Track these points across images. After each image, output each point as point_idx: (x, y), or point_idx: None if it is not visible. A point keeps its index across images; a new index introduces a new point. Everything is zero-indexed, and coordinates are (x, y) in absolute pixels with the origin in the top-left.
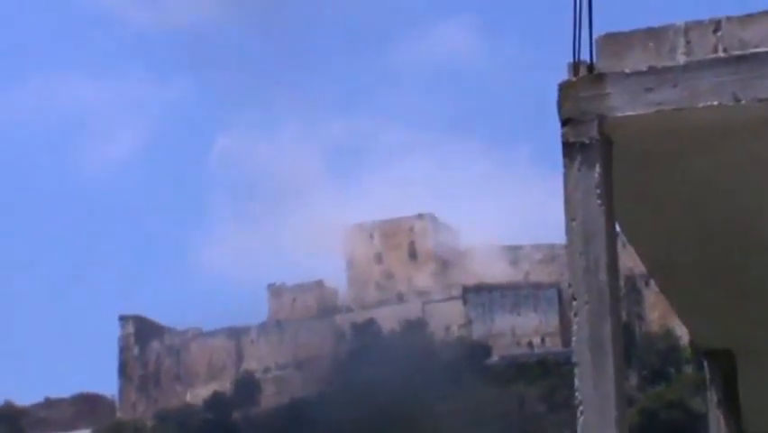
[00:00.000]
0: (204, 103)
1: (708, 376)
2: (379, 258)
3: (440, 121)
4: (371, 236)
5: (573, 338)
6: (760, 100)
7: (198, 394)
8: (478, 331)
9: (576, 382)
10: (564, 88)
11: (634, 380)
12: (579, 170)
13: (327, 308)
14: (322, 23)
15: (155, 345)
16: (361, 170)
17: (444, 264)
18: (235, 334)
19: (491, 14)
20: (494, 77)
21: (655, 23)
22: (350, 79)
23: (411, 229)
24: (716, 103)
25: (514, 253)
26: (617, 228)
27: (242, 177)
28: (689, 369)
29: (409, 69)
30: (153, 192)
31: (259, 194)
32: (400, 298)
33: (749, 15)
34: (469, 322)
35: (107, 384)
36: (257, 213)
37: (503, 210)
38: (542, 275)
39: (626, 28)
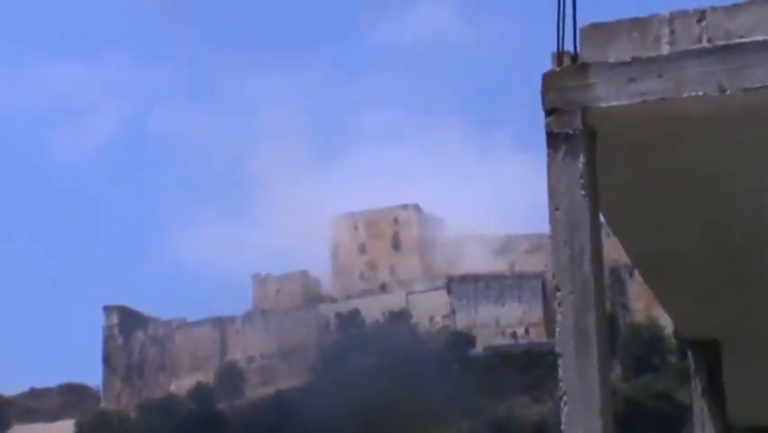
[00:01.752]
0: (183, 85)
1: (692, 366)
2: (363, 248)
3: (423, 103)
4: (355, 227)
5: (557, 329)
6: (745, 90)
7: (182, 385)
8: (462, 321)
9: (560, 372)
10: (548, 78)
11: (618, 370)
12: (563, 160)
13: (312, 298)
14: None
15: (139, 335)
16: (342, 155)
17: (428, 254)
18: (220, 324)
19: None
20: (477, 58)
21: (640, 13)
22: (332, 60)
23: (395, 219)
24: (701, 93)
25: (498, 244)
26: (602, 219)
27: (223, 162)
28: (673, 359)
29: (391, 50)
30: (131, 180)
31: (240, 180)
32: (384, 288)
33: (734, 5)
34: (453, 312)
35: (92, 375)
36: (239, 200)
37: (487, 197)
38: (526, 265)
39: (610, 18)
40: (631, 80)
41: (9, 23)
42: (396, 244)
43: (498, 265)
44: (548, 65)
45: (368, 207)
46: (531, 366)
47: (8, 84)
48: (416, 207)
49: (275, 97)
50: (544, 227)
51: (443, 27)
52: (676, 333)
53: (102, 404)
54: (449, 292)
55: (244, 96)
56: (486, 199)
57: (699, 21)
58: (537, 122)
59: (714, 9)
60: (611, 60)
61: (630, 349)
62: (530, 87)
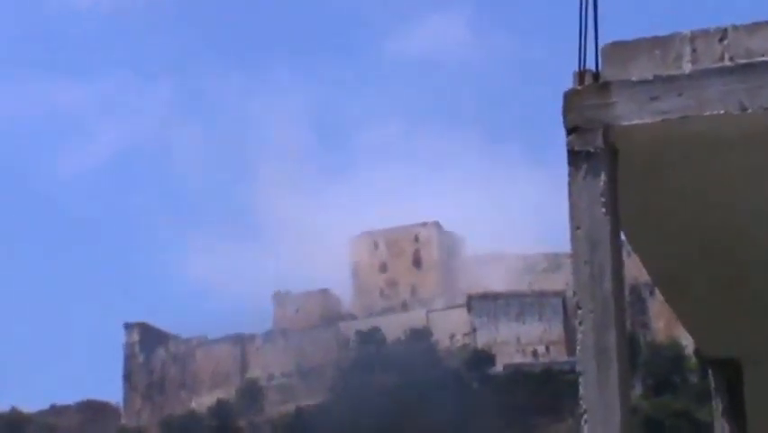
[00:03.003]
0: (187, 100)
1: (713, 385)
2: (383, 266)
3: (429, 117)
4: (376, 245)
5: (578, 347)
6: (766, 109)
7: (203, 402)
8: (482, 339)
9: (581, 390)
10: (570, 97)
11: (639, 389)
12: (584, 178)
13: (332, 317)
14: (310, 14)
15: (160, 352)
16: (350, 171)
17: (449, 272)
18: (240, 341)
19: (482, 8)
20: (485, 71)
21: (661, 32)
22: (337, 73)
23: (416, 237)
24: (722, 112)
25: (518, 262)
26: (623, 237)
27: (227, 178)
28: (694, 378)
29: (399, 62)
30: (131, 198)
31: (246, 197)
32: (405, 306)
33: (755, 24)
34: (473, 330)
35: (112, 392)
36: (248, 219)
37: (502, 212)
38: (545, 284)
39: (631, 36)
40: (652, 99)
41: None
42: (416, 262)
43: (518, 283)
44: (566, 82)
45: (386, 226)
46: (551, 384)
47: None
48: (437, 225)
49: (278, 112)
50: (562, 245)
51: (453, 41)
52: (697, 352)
53: (122, 421)
54: (469, 310)
55: (246, 112)
56: (501, 215)
57: (721, 40)
58: (547, 136)
59: (735, 27)
60: (633, 79)
61: (651, 368)
62: (538, 102)
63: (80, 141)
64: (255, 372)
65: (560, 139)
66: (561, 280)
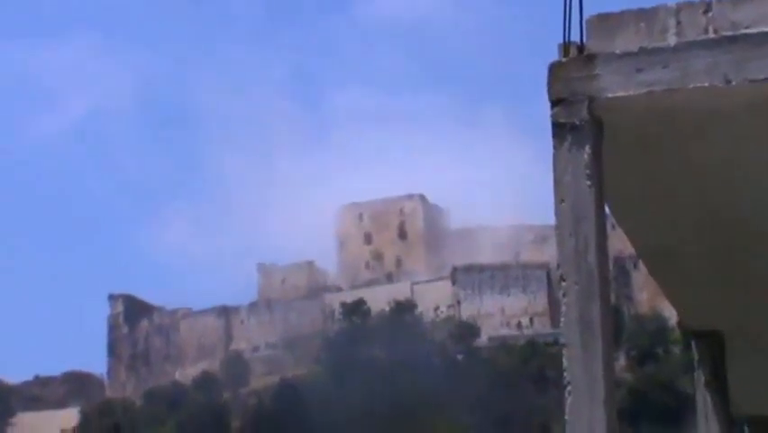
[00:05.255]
0: (161, 66)
1: (696, 357)
2: (368, 238)
3: (410, 81)
4: (361, 217)
5: (562, 319)
6: (751, 81)
7: (188, 374)
8: (466, 311)
9: (565, 362)
10: (554, 69)
11: (622, 361)
12: (569, 151)
13: (317, 288)
14: None
15: (144, 324)
16: (329, 138)
17: (434, 245)
18: (225, 313)
19: None
20: (463, 34)
21: (646, 4)
22: (314, 36)
23: (401, 210)
24: (707, 84)
25: (504, 234)
26: (607, 210)
27: (204, 144)
28: (677, 350)
29: (377, 27)
30: (109, 166)
31: (225, 165)
32: (390, 278)
33: None
34: (457, 302)
35: (97, 363)
36: (228, 187)
37: (481, 178)
38: (532, 256)
39: (616, 9)
40: (638, 71)
41: None
42: (402, 234)
43: (504, 256)
44: (550, 52)
45: (368, 197)
46: (535, 356)
47: None
48: (422, 198)
49: (257, 75)
50: (547, 218)
51: (433, 5)
52: (680, 324)
53: (107, 392)
54: (454, 282)
55: (224, 74)
56: (484, 184)
57: (706, 12)
58: (530, 105)
59: (720, 0)
60: (618, 51)
61: (634, 340)
62: (522, 70)
63: (49, 105)
64: (240, 343)
65: (542, 102)
66: (546, 253)
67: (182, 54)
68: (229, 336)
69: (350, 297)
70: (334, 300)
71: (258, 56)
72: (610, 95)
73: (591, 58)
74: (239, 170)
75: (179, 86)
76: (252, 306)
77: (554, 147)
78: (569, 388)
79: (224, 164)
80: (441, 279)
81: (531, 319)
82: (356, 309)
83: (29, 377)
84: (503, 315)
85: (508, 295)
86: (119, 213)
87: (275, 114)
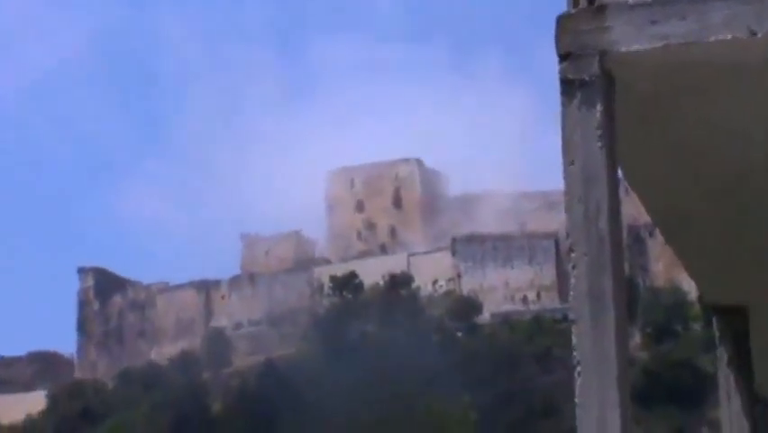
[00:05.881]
0: (125, 13)
1: (717, 334)
2: (360, 206)
3: (402, 30)
4: (352, 182)
5: (571, 293)
6: None
7: (165, 353)
8: (468, 286)
9: (574, 339)
10: (563, 21)
11: (637, 338)
12: (578, 109)
13: (304, 261)
14: None
15: (117, 299)
16: (313, 92)
17: (432, 213)
18: (205, 288)
19: None
20: None
21: None
22: None
23: (396, 175)
24: (729, 37)
25: (508, 201)
26: (620, 173)
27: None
28: (697, 327)
29: None
30: (70, 122)
31: (210, 125)
32: (384, 249)
33: None
34: (458, 276)
35: (65, 342)
36: (211, 150)
37: (479, 136)
38: (539, 225)
39: None
40: (652, 23)
41: None
42: (397, 202)
43: (508, 225)
44: (562, 6)
45: (362, 161)
46: (542, 334)
47: None
48: (419, 162)
49: (230, 22)
50: (554, 182)
51: None
52: (700, 298)
53: (76, 373)
54: (454, 254)
55: (193, 21)
56: (482, 142)
57: None
58: (535, 58)
59: None
60: (631, 1)
61: (650, 315)
62: (526, 19)
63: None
64: (221, 320)
65: (550, 56)
66: (553, 221)
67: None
68: (209, 313)
69: (340, 270)
70: (323, 274)
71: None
72: (623, 48)
73: (602, 9)
74: (214, 130)
75: (142, 36)
76: (234, 279)
77: (563, 105)
78: (578, 368)
79: (196, 124)
80: (439, 250)
81: (537, 294)
82: (347, 283)
83: None
84: (507, 289)
85: (513, 267)
86: (83, 180)
87: (252, 66)
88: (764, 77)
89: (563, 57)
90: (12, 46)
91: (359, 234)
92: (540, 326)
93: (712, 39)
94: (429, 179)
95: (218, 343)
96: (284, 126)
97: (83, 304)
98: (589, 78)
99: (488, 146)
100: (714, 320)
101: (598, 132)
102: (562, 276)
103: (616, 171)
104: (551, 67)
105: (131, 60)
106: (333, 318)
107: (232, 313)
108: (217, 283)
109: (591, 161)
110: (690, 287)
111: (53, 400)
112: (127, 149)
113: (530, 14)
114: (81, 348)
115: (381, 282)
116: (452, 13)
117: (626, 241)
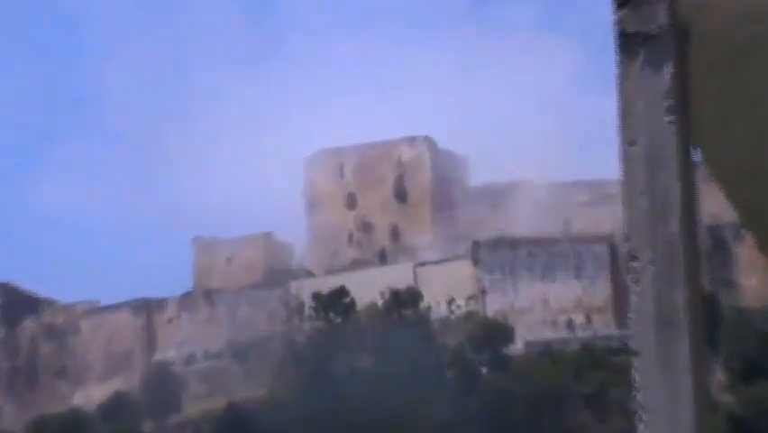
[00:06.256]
0: None
1: None
2: (352, 200)
3: None
4: (341, 170)
5: (631, 315)
6: None
7: (92, 396)
8: (494, 305)
9: (635, 377)
10: None
11: (720, 375)
12: (641, 71)
13: (278, 272)
14: None
15: (28, 324)
16: (282, 52)
17: (446, 209)
18: (145, 308)
19: None
20: None
21: None
22: None
23: (398, 158)
24: None
25: (546, 193)
26: (697, 156)
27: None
28: None
29: None
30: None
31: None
32: (382, 257)
33: None
34: (481, 292)
35: None
36: (152, 129)
37: (512, 114)
38: (587, 224)
39: None
40: None
41: None
42: (400, 194)
43: (547, 224)
44: None
45: (354, 142)
46: (593, 368)
47: None
48: (428, 140)
49: None
50: (611, 170)
51: None
52: None
53: None
54: (475, 263)
55: None
56: (516, 117)
57: None
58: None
59: None
60: None
61: (737, 345)
62: None
63: None
64: (167, 352)
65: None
66: (608, 220)
67: None
68: (151, 342)
69: (325, 284)
70: (303, 289)
71: None
72: None
73: None
74: (156, 103)
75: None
76: (185, 297)
77: (620, 66)
78: (641, 414)
79: (132, 94)
80: (456, 258)
81: (587, 316)
82: (335, 303)
83: None
84: (546, 309)
85: (554, 281)
86: None
87: (209, 24)
88: None
89: (622, 2)
90: None
91: (350, 238)
92: (591, 358)
93: None
94: (442, 163)
95: (163, 382)
96: (248, 96)
97: None
98: (656, 31)
99: (520, 121)
100: None
101: (668, 102)
102: (619, 293)
103: (690, 154)
104: (604, 16)
105: (42, 15)
106: (316, 349)
107: (181, 342)
108: (162, 303)
109: (658, 139)
110: None
111: None
112: (39, 129)
113: None
114: None
115: (380, 301)
116: None
117: (704, 246)
